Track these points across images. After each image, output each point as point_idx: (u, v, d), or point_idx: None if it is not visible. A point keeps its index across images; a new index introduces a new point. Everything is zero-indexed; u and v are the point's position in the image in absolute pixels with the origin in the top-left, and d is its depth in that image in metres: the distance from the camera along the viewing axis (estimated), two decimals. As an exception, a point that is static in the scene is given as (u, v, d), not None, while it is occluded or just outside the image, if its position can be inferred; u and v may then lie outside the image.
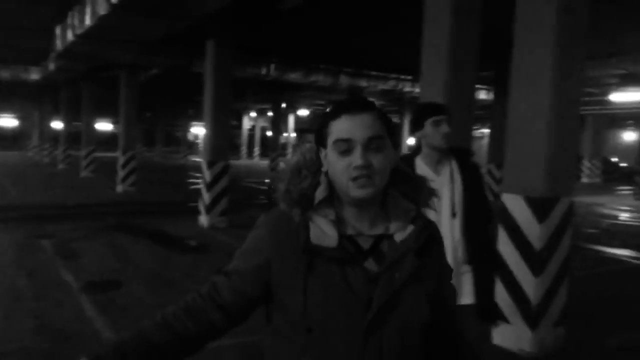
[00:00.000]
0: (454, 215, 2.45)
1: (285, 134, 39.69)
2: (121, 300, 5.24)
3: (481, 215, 2.51)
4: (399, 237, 1.17)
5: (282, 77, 15.72)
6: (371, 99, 1.30)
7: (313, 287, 1.11)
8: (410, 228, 1.18)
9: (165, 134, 45.53)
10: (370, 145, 1.12)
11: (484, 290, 2.50)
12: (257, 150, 38.86)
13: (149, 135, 47.73)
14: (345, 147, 1.12)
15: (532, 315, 3.93)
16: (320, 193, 1.18)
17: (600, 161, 27.46)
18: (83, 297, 5.26)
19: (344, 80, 16.77)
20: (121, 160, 14.58)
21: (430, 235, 1.20)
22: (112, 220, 9.86)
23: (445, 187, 2.47)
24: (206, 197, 9.29)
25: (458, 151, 2.57)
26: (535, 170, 3.95)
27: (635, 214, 14.11)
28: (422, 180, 1.27)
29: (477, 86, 16.67)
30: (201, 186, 9.54)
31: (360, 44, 12.60)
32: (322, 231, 1.14)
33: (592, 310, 5.31)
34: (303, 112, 33.95)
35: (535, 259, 3.93)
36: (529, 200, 3.99)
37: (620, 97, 17.99)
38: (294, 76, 15.65)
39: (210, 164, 9.27)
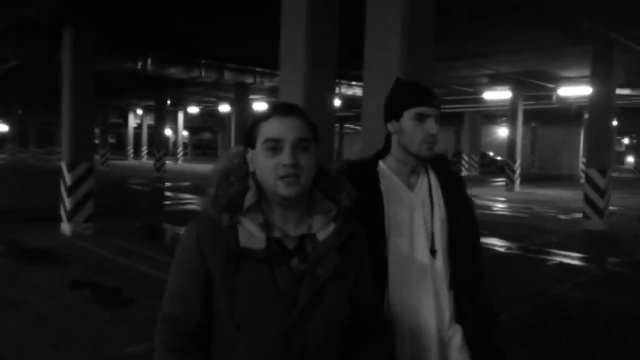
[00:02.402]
0: (433, 252, 1.64)
1: (173, 132, 38.17)
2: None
3: (472, 251, 1.74)
4: (321, 235, 1.23)
5: (162, 72, 14.94)
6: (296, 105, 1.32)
7: (241, 287, 1.17)
8: (331, 226, 1.25)
9: (39, 133, 41.81)
10: (299, 145, 1.19)
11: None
12: (144, 149, 36.96)
13: (22, 135, 43.57)
14: (275, 146, 1.18)
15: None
16: (250, 198, 1.23)
17: (477, 155, 29.44)
18: None
19: (229, 77, 16.34)
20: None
21: (351, 233, 1.27)
22: (-45, 232, 8.67)
23: (421, 209, 1.67)
24: (67, 202, 8.45)
25: (434, 158, 1.74)
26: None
27: (505, 204, 15.18)
28: (342, 180, 1.32)
29: (354, 83, 17.06)
30: (62, 190, 8.66)
31: (242, 39, 12.25)
32: (251, 234, 1.19)
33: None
34: (193, 110, 32.84)
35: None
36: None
37: (490, 95, 19.35)
38: (174, 71, 14.94)
39: (71, 166, 8.44)
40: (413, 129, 1.64)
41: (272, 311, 1.16)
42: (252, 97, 21.06)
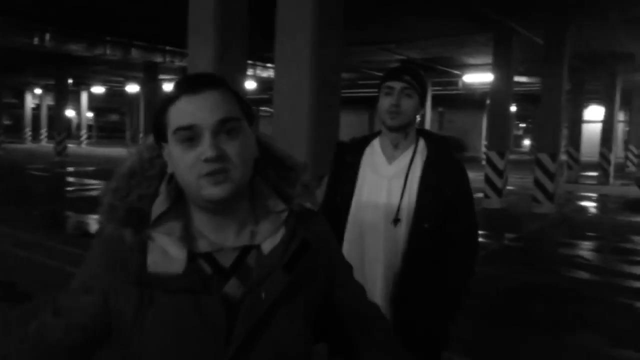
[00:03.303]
0: (395, 221, 1.76)
1: (76, 114, 35.95)
2: None
3: (442, 232, 1.79)
4: (267, 246, 0.92)
5: (62, 49, 13.98)
6: (218, 75, 0.95)
7: (154, 327, 0.86)
8: (280, 234, 0.94)
9: None
10: (222, 130, 0.87)
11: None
12: (44, 132, 34.48)
13: None
14: (190, 135, 0.86)
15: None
16: (158, 206, 0.91)
17: (389, 138, 30.40)
18: None
19: (137, 55, 15.58)
20: None
21: (304, 240, 0.94)
22: None
23: (392, 181, 1.80)
24: (-49, 189, 7.70)
25: (433, 138, 1.90)
26: (299, 149, 3.90)
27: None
28: (296, 166, 1.01)
29: (270, 65, 16.93)
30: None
31: (150, 15, 11.68)
32: (164, 254, 0.88)
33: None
34: (98, 90, 31.02)
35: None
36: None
37: (402, 80, 19.96)
38: (76, 48, 14.03)
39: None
40: (382, 101, 1.81)
41: (200, 354, 0.85)
42: (162, 77, 20.24)
